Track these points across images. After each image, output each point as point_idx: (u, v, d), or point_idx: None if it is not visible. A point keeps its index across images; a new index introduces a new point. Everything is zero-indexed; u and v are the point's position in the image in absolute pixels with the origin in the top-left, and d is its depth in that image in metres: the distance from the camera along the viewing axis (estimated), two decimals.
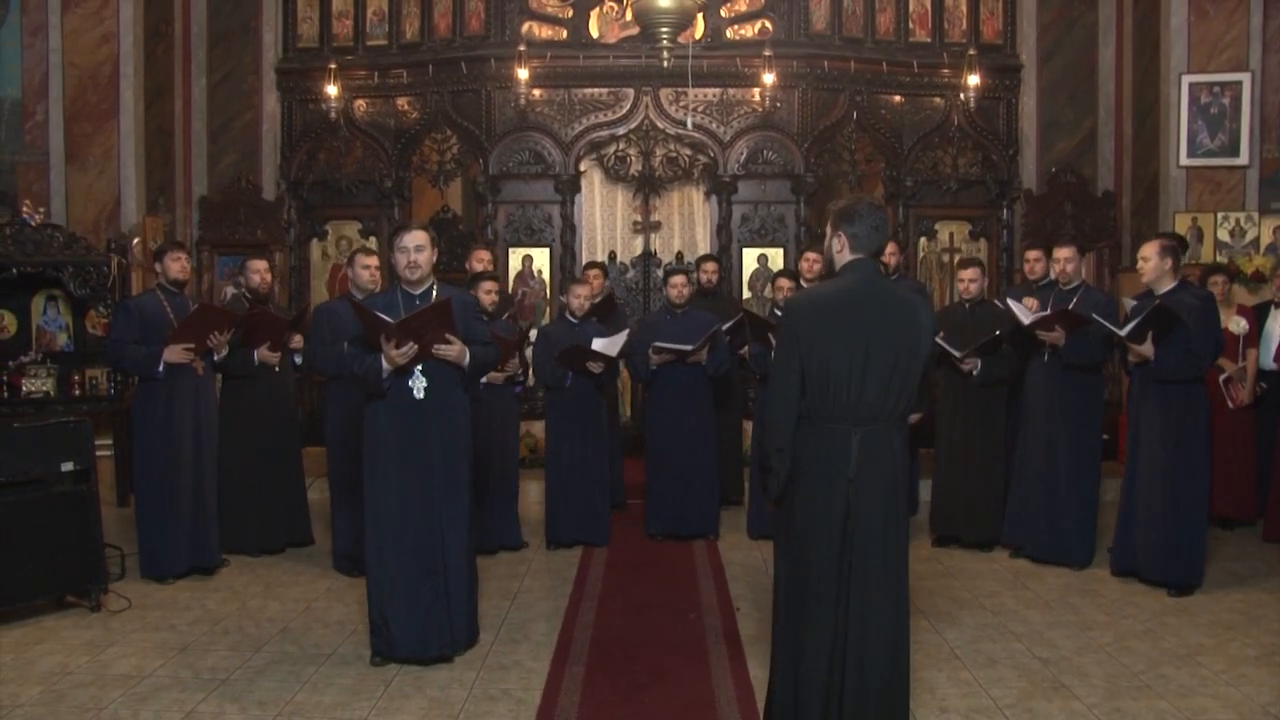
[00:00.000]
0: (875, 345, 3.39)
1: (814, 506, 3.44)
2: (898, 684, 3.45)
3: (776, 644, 3.59)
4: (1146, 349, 5.57)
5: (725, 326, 6.86)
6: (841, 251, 3.57)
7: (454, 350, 4.51)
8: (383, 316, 4.43)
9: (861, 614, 3.40)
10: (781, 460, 3.50)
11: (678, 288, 6.92)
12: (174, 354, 5.89)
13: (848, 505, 3.40)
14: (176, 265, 6.15)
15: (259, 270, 6.66)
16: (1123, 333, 5.62)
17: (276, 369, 6.55)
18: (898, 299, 3.53)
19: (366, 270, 6.10)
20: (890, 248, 7.74)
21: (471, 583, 4.75)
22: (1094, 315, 5.86)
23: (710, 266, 8.03)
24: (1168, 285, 5.67)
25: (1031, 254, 7.05)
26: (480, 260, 7.12)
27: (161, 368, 5.88)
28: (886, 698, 3.41)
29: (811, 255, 7.45)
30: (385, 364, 4.44)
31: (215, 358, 6.15)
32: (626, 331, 6.95)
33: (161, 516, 5.93)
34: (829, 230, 3.60)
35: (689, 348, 6.61)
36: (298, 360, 6.67)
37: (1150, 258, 5.68)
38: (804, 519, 3.46)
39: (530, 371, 7.03)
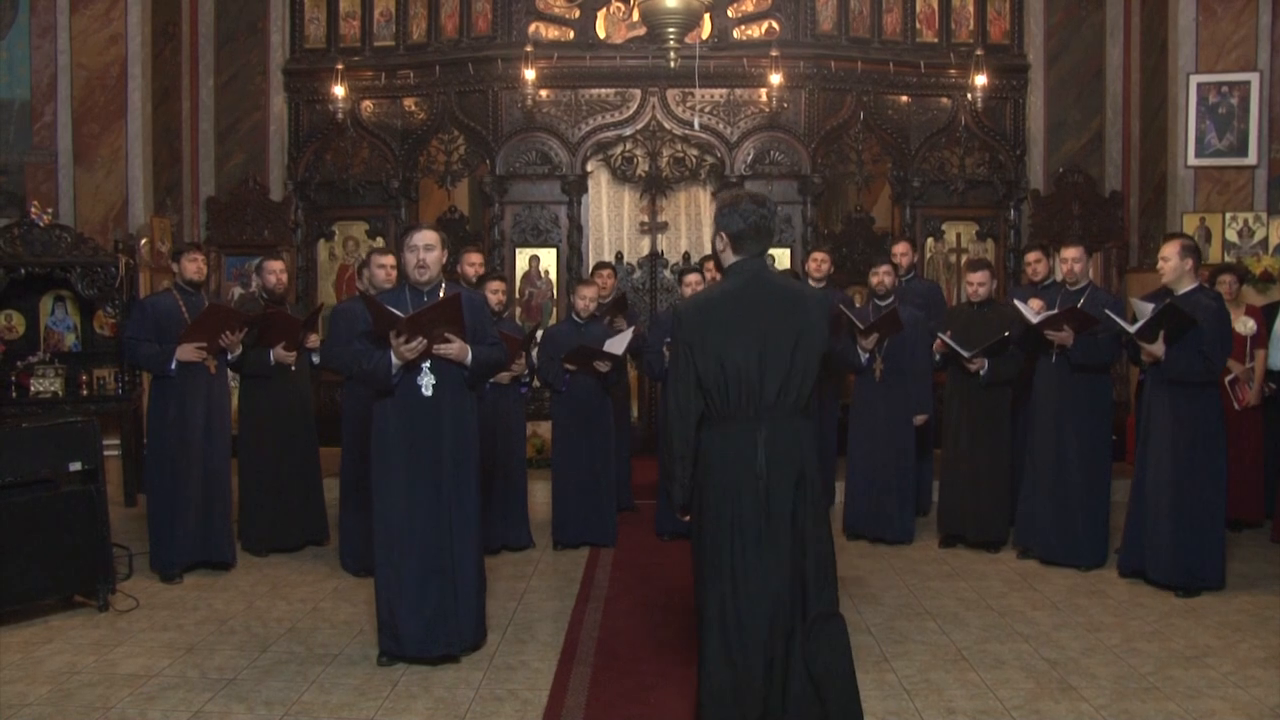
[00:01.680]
0: (769, 342, 3.39)
1: (726, 505, 3.43)
2: (836, 680, 3.43)
3: (707, 659, 3.51)
4: (1157, 348, 5.55)
5: None
6: (725, 251, 3.56)
7: (454, 349, 4.51)
8: (393, 310, 4.44)
9: (790, 605, 3.41)
10: (683, 468, 3.50)
11: (692, 286, 6.91)
12: (186, 353, 5.95)
13: (760, 501, 3.39)
14: (193, 266, 6.21)
15: (275, 270, 6.69)
16: (1132, 330, 5.59)
17: (292, 369, 6.58)
18: (785, 293, 3.52)
19: (382, 269, 6.10)
20: (902, 248, 7.75)
21: (479, 582, 4.75)
22: (1106, 311, 5.84)
23: (713, 266, 8.01)
24: (1188, 286, 5.63)
25: (1031, 256, 7.04)
26: (472, 264, 6.92)
27: (174, 366, 5.94)
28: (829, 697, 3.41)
29: (819, 255, 7.46)
30: (394, 360, 4.45)
31: (229, 357, 6.19)
32: (631, 330, 6.95)
33: (171, 513, 5.98)
34: (714, 227, 3.59)
35: None
36: (315, 359, 6.71)
37: (1170, 257, 5.64)
38: (717, 518, 3.45)
39: (535, 374, 7.02)
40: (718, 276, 7.80)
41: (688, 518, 3.64)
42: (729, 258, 3.55)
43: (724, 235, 3.53)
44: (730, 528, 3.44)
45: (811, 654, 3.41)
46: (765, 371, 3.39)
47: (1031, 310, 6.20)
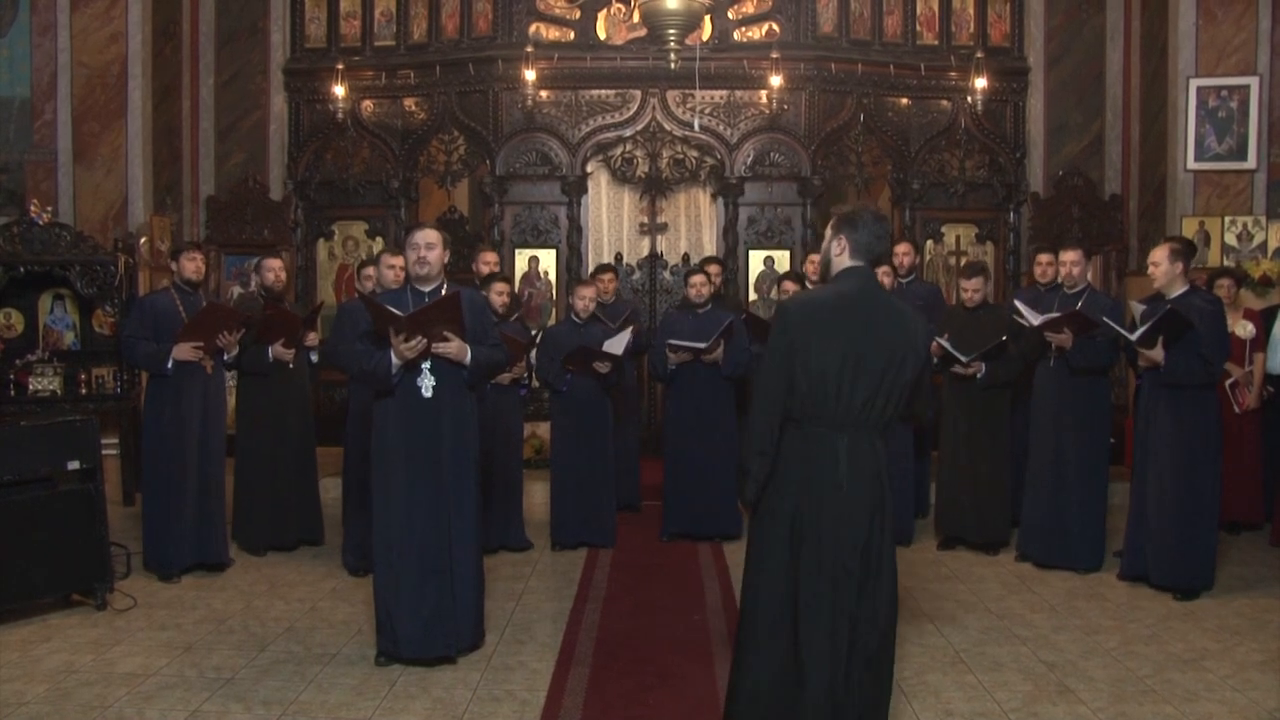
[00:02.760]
0: (867, 352, 3.37)
1: (800, 513, 3.41)
2: (883, 688, 3.44)
3: (747, 652, 3.52)
4: (1156, 353, 5.55)
5: (723, 329, 6.81)
6: (841, 255, 3.55)
7: (453, 347, 4.51)
8: (392, 310, 4.44)
9: (851, 620, 3.38)
10: (762, 465, 3.47)
11: (696, 287, 6.92)
12: (183, 352, 5.94)
13: (837, 511, 3.37)
14: (191, 265, 6.20)
15: (274, 268, 6.70)
16: (1133, 337, 5.60)
17: (291, 366, 6.58)
18: (893, 308, 3.51)
19: (391, 270, 6.11)
20: (904, 248, 7.76)
21: (478, 583, 4.75)
22: (1104, 319, 5.85)
23: (714, 269, 8.00)
24: (1179, 289, 5.64)
25: (1043, 258, 6.97)
26: (487, 263, 7.12)
27: (171, 365, 5.92)
28: (869, 702, 3.41)
29: (816, 258, 7.45)
30: (394, 359, 4.45)
31: (225, 357, 6.19)
32: (629, 331, 6.94)
33: (166, 512, 5.97)
34: (829, 233, 3.59)
35: (703, 345, 6.60)
36: (314, 358, 6.71)
37: (1160, 262, 5.65)
38: (783, 517, 3.44)
39: (534, 374, 7.03)
40: (716, 281, 7.92)
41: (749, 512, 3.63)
42: (844, 262, 3.53)
43: (844, 239, 3.51)
44: (798, 529, 3.42)
45: (860, 671, 3.41)
46: (855, 382, 3.36)
47: (1034, 312, 6.18)
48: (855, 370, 3.36)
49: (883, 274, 6.86)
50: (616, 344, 6.64)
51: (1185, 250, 5.72)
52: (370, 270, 6.56)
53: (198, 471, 6.06)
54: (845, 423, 3.39)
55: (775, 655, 3.44)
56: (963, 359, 6.38)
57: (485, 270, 6.93)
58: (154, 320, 6.02)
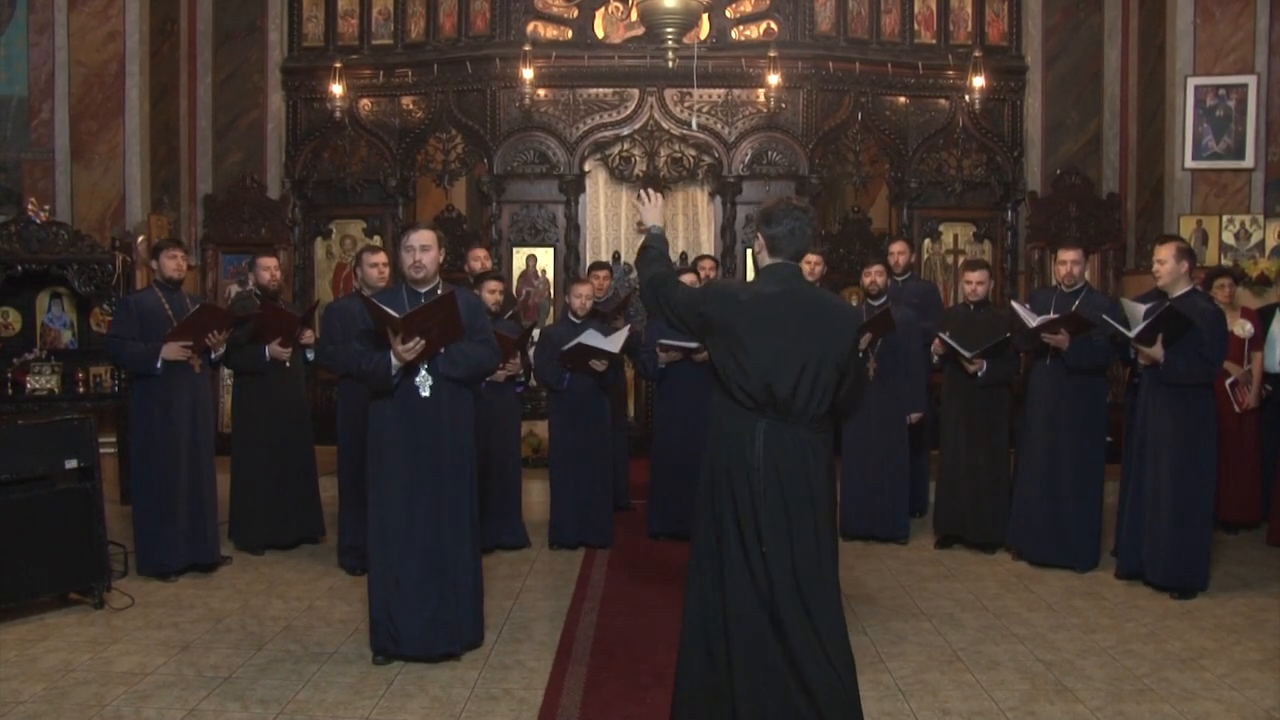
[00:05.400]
0: (787, 345, 3.40)
1: (720, 493, 3.44)
2: (837, 697, 3.40)
3: (685, 638, 3.58)
4: (1156, 351, 5.55)
5: None
6: (761, 252, 3.60)
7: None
8: (389, 311, 4.44)
9: (785, 614, 3.38)
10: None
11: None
12: (172, 351, 5.91)
13: (751, 493, 3.39)
14: (172, 263, 6.16)
15: (268, 267, 6.70)
16: (1132, 334, 5.59)
17: (287, 364, 6.58)
18: (815, 302, 3.54)
19: (375, 268, 6.12)
20: (900, 247, 7.76)
21: (476, 582, 4.75)
22: (1104, 316, 5.84)
23: (708, 265, 7.98)
24: (1183, 288, 5.65)
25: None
26: (478, 258, 7.10)
27: (159, 364, 5.90)
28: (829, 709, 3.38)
29: (812, 257, 7.43)
30: (394, 360, 4.44)
31: (213, 356, 6.17)
32: (627, 329, 6.94)
33: (158, 513, 5.95)
34: (755, 229, 3.64)
35: (694, 344, 6.60)
36: (310, 356, 6.71)
37: (1167, 260, 5.65)
38: (710, 508, 3.47)
39: (532, 372, 7.02)
40: (713, 276, 7.93)
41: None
42: (764, 259, 3.60)
43: (761, 237, 3.57)
44: (721, 517, 3.43)
45: (804, 660, 3.39)
46: (776, 372, 3.38)
47: (1031, 313, 6.19)
48: (773, 362, 3.39)
49: (876, 274, 6.89)
50: (613, 342, 6.62)
51: (1190, 251, 5.74)
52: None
53: (188, 472, 6.03)
54: (763, 409, 3.43)
55: (709, 650, 3.46)
56: (966, 354, 6.38)
57: (478, 267, 6.94)
58: (139, 319, 5.98)
